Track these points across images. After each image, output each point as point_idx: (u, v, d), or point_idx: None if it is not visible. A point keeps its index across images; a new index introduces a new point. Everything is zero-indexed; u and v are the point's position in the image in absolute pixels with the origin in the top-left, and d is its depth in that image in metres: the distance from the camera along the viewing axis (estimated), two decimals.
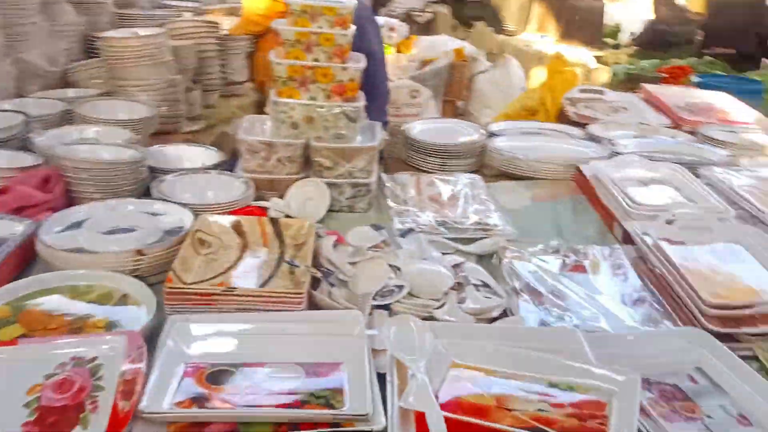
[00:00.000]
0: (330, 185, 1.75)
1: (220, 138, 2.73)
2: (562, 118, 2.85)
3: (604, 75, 5.20)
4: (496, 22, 6.26)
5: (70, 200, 1.60)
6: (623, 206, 1.73)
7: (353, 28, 1.68)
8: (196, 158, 1.93)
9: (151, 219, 1.50)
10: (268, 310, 1.19)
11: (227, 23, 3.14)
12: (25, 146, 1.81)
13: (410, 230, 1.62)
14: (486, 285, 1.43)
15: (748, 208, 1.75)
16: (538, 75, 5.04)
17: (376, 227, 1.59)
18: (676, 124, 2.67)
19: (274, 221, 1.50)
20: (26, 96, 2.26)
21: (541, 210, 1.90)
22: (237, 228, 1.48)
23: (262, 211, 1.63)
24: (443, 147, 2.12)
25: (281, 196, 1.76)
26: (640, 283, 1.45)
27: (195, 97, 2.56)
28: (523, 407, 0.97)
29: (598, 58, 5.47)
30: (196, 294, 1.19)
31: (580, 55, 5.25)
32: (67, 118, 2.04)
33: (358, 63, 1.70)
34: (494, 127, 2.49)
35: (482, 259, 1.58)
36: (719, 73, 5.53)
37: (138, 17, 2.93)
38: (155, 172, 1.78)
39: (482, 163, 2.21)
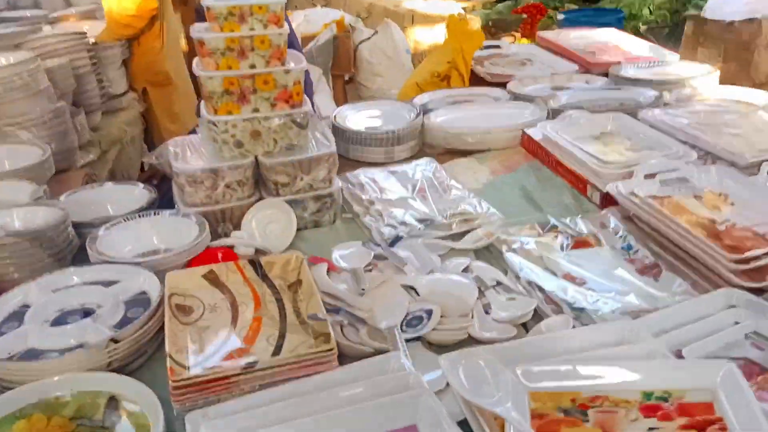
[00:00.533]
0: (290, 203, 1.56)
1: (119, 165, 2.40)
2: (473, 80, 2.79)
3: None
4: None
5: None
6: (592, 168, 1.69)
7: (287, 25, 1.47)
8: (117, 200, 1.65)
9: (104, 291, 1.24)
10: (296, 378, 1.02)
11: (90, 30, 2.74)
12: None
13: (398, 237, 1.47)
14: (499, 282, 1.34)
15: (704, 147, 1.77)
16: (421, 35, 4.98)
17: (363, 243, 1.43)
18: (586, 69, 2.69)
19: (253, 263, 1.30)
20: None
21: (504, 184, 1.82)
22: (213, 280, 1.27)
23: (228, 252, 1.41)
24: (386, 134, 1.97)
25: (234, 227, 1.55)
26: (645, 250, 1.41)
27: (82, 123, 2.20)
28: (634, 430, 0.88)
29: (465, 9, 5.46)
30: (210, 381, 0.99)
31: (448, 8, 5.21)
32: None
33: (300, 63, 1.50)
34: (418, 101, 2.38)
35: (477, 254, 1.47)
36: (575, 7, 5.74)
37: None
38: (79, 228, 1.50)
39: (423, 142, 2.09)
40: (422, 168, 1.86)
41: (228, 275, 1.28)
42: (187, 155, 1.58)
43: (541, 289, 1.29)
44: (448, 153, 2.05)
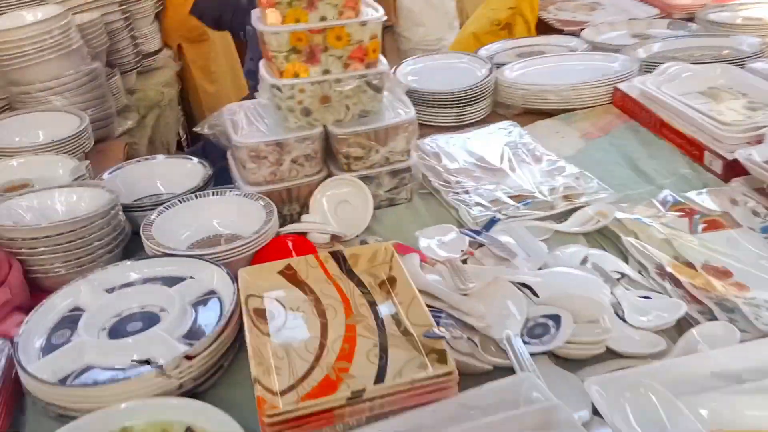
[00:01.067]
0: (364, 179, 1.36)
1: (157, 132, 2.21)
2: (537, 28, 2.52)
3: None
4: None
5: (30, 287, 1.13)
6: (709, 129, 1.45)
7: None
8: (168, 176, 1.46)
9: (168, 292, 1.06)
10: (409, 407, 0.83)
11: None
12: None
13: (494, 220, 1.27)
14: (622, 275, 1.13)
15: None
16: None
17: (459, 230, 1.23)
18: (666, 13, 2.40)
19: (336, 256, 1.11)
20: None
21: (601, 150, 1.59)
22: (292, 278, 1.08)
23: (299, 240, 1.22)
24: (455, 94, 1.74)
25: (301, 209, 1.36)
26: None
27: (118, 85, 2.01)
28: None
29: None
30: (312, 415, 0.81)
31: None
32: None
33: (377, 12, 1.27)
34: (483, 52, 2.14)
35: (587, 238, 1.27)
36: None
37: None
38: (128, 212, 1.31)
39: (496, 103, 1.86)
40: (505, 133, 1.64)
41: (308, 271, 1.09)
42: (244, 125, 1.38)
43: (677, 283, 1.09)
44: (526, 113, 1.82)
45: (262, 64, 1.34)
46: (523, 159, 1.51)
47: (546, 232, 1.27)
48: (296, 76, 1.27)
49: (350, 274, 1.10)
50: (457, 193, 1.39)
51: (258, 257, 1.17)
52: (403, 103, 1.40)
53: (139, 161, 1.49)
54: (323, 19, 1.23)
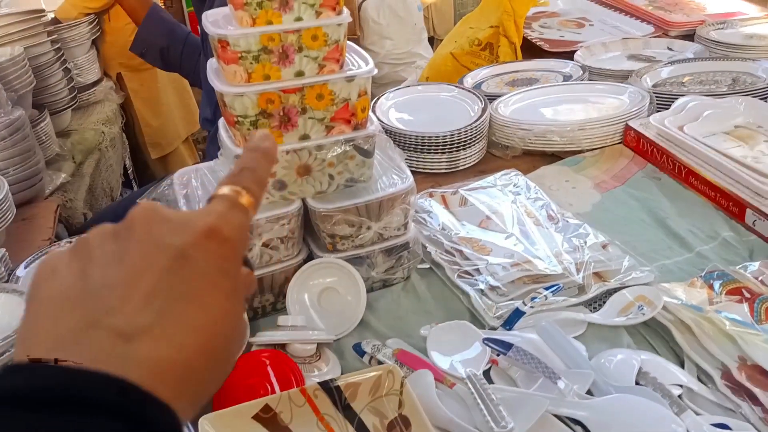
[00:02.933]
0: (353, 261, 1.11)
1: (97, 179, 1.90)
2: (524, 47, 2.30)
3: None
4: None
5: None
6: (751, 182, 1.25)
7: (346, 11, 0.98)
8: None
9: None
10: None
11: (46, 5, 2.20)
12: None
13: (518, 313, 1.03)
14: (680, 385, 0.91)
15: None
16: None
17: (486, 336, 0.99)
18: (663, 30, 2.22)
19: (329, 388, 0.85)
20: None
21: (620, 204, 1.38)
22: (271, 424, 0.82)
23: (280, 356, 0.96)
24: (448, 137, 1.51)
25: (276, 299, 1.10)
26: None
27: (48, 131, 1.70)
28: None
29: None
30: None
31: None
32: None
33: (366, 64, 1.02)
34: (470, 80, 1.91)
35: (627, 330, 1.04)
36: None
37: None
38: None
39: (489, 142, 1.63)
40: (510, 185, 1.40)
41: (293, 412, 0.83)
42: (200, 199, 1.11)
43: (752, 398, 0.87)
44: (525, 154, 1.60)
45: (222, 126, 1.08)
46: (536, 221, 1.28)
47: (579, 324, 1.04)
48: None
49: (348, 412, 0.85)
50: (466, 272, 1.15)
51: (226, 387, 0.91)
52: (397, 165, 1.15)
53: (70, 242, 1.21)
54: (300, 74, 0.97)
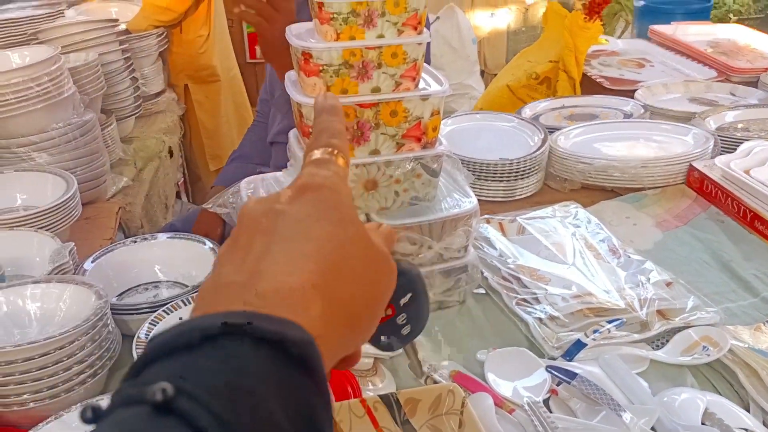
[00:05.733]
0: None
1: (155, 187, 1.95)
2: (582, 83, 2.30)
3: (540, 11, 4.67)
4: None
5: None
6: None
7: (427, 31, 1.00)
8: (172, 258, 1.20)
9: None
10: None
11: (119, 14, 2.29)
12: None
13: (580, 344, 1.01)
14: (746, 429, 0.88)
15: None
16: (481, 21, 4.46)
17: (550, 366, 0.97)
18: (725, 75, 2.20)
19: (389, 401, 0.85)
20: None
21: (683, 244, 1.35)
22: None
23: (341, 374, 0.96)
24: (507, 165, 1.51)
25: None
26: None
27: (113, 136, 1.75)
28: None
29: None
30: None
31: None
32: None
33: (441, 84, 1.03)
34: (528, 112, 1.91)
35: (691, 370, 1.01)
36: None
37: None
38: (119, 313, 1.05)
39: (547, 174, 1.63)
40: (569, 217, 1.39)
41: (352, 422, 0.83)
42: None
43: None
44: (584, 189, 1.59)
45: (293, 136, 1.10)
46: (597, 254, 1.26)
47: (641, 361, 1.02)
48: None
49: (406, 427, 0.84)
50: (524, 300, 1.14)
51: None
52: (462, 190, 1.15)
53: (135, 241, 1.23)
54: (376, 90, 0.98)
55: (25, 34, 1.91)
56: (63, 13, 2.06)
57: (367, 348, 0.97)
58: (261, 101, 1.84)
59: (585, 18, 2.16)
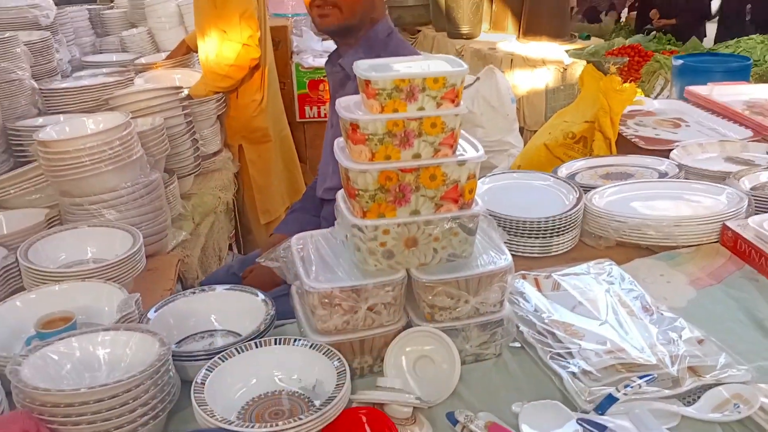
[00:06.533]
0: (449, 332, 1.17)
1: (210, 240, 2.07)
2: (617, 142, 2.36)
3: (578, 69, 4.77)
4: (443, 24, 5.72)
5: None
6: None
7: (463, 103, 1.10)
8: (226, 309, 1.30)
9: None
10: None
11: (182, 81, 2.47)
12: None
13: (611, 399, 1.05)
14: None
15: None
16: (520, 80, 4.58)
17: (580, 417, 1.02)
18: (761, 135, 2.23)
19: None
20: None
21: (717, 302, 1.38)
22: None
23: (378, 414, 1.02)
24: (543, 222, 1.57)
25: (374, 362, 1.18)
26: None
27: (175, 194, 1.89)
28: None
29: (568, 52, 5.02)
30: None
31: (551, 50, 4.80)
32: None
33: (477, 151, 1.12)
34: (564, 171, 1.98)
35: (722, 427, 1.04)
36: (695, 51, 5.17)
37: (66, 93, 2.19)
38: (179, 360, 1.14)
39: (582, 231, 1.68)
40: (603, 274, 1.44)
41: None
42: (314, 262, 1.21)
43: None
44: (618, 246, 1.63)
45: (341, 197, 1.19)
46: (630, 311, 1.30)
47: (672, 417, 1.05)
48: (381, 216, 1.11)
49: None
50: (559, 354, 1.19)
51: None
52: (498, 248, 1.22)
53: (194, 292, 1.34)
54: (417, 156, 1.08)
55: (98, 99, 2.10)
56: (132, 80, 2.25)
57: (408, 397, 1.04)
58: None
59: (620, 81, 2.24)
